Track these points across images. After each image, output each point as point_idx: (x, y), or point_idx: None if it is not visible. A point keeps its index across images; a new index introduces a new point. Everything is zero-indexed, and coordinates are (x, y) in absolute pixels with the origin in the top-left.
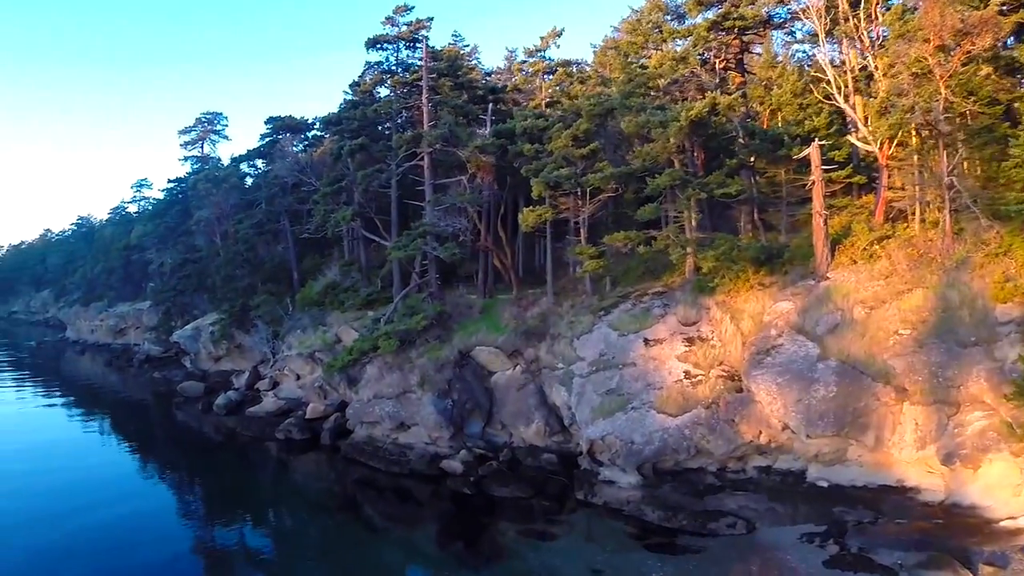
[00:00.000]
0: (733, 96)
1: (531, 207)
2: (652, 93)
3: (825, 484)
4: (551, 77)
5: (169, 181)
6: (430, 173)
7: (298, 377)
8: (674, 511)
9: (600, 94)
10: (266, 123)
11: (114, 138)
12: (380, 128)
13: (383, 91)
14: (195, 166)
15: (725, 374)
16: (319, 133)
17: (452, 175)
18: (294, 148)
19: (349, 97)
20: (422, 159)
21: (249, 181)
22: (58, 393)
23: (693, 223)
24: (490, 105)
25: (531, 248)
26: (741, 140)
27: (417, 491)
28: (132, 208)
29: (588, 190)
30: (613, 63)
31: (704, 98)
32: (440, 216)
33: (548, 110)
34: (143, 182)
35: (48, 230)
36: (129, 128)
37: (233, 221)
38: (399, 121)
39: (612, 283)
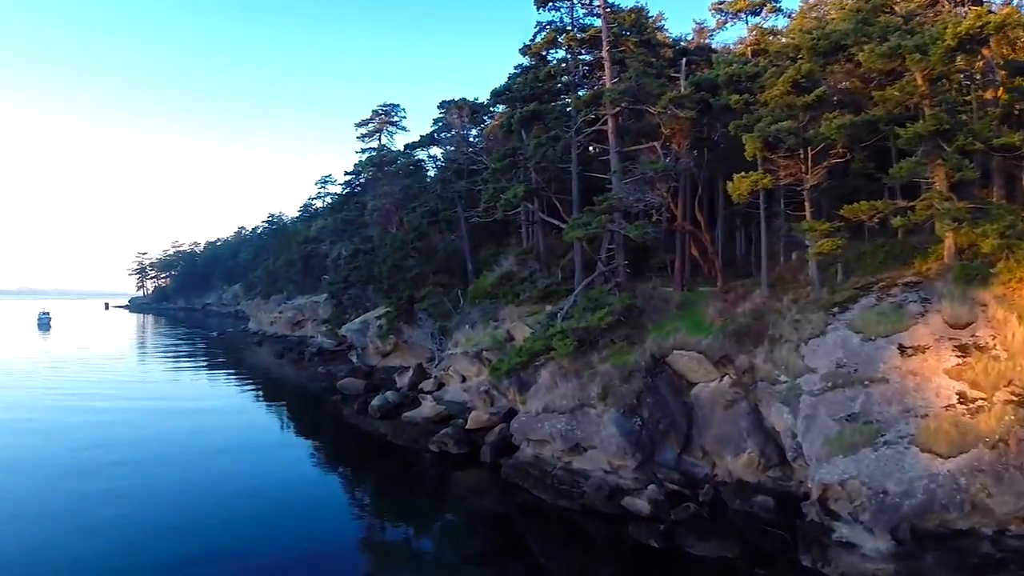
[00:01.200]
0: (1007, 11)
1: (743, 174)
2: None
3: None
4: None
5: (346, 174)
6: (615, 140)
7: (464, 379)
8: None
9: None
10: (439, 107)
11: (307, 138)
12: (555, 93)
13: (559, 54)
14: (371, 158)
15: (1015, 398)
16: (493, 109)
17: (641, 144)
18: (469, 131)
19: (522, 63)
20: (605, 123)
21: (432, 173)
22: (222, 382)
23: (943, 188)
24: (683, 62)
25: (730, 236)
26: (995, 88)
27: (591, 532)
28: (318, 204)
29: (811, 152)
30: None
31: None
32: (629, 190)
33: (755, 59)
34: (327, 178)
35: (242, 227)
36: (319, 127)
37: (406, 210)
38: (576, 83)
39: (844, 271)
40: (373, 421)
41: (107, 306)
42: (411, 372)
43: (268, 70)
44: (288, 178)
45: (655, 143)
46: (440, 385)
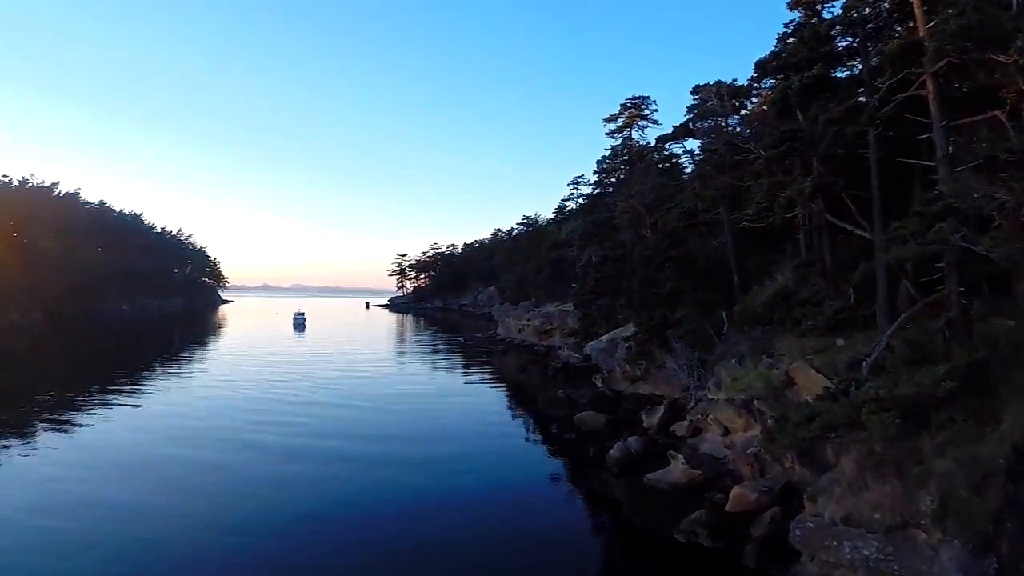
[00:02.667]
0: None
1: None
2: None
3: None
4: None
5: (594, 173)
6: (938, 110)
7: (726, 431)
8: None
9: None
10: (692, 92)
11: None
12: (835, 58)
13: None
14: (619, 153)
15: None
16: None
17: (967, 115)
18: (730, 118)
19: (792, 19)
20: (922, 87)
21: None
22: (454, 398)
23: None
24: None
25: None
26: None
27: None
28: (571, 205)
29: None
30: None
31: None
32: (966, 183)
33: None
34: (579, 178)
35: (498, 229)
36: (576, 121)
37: (659, 211)
38: (866, 39)
39: None
40: (610, 479)
41: (367, 305)
42: (662, 410)
43: (515, 63)
44: (545, 177)
45: (996, 112)
46: (696, 431)
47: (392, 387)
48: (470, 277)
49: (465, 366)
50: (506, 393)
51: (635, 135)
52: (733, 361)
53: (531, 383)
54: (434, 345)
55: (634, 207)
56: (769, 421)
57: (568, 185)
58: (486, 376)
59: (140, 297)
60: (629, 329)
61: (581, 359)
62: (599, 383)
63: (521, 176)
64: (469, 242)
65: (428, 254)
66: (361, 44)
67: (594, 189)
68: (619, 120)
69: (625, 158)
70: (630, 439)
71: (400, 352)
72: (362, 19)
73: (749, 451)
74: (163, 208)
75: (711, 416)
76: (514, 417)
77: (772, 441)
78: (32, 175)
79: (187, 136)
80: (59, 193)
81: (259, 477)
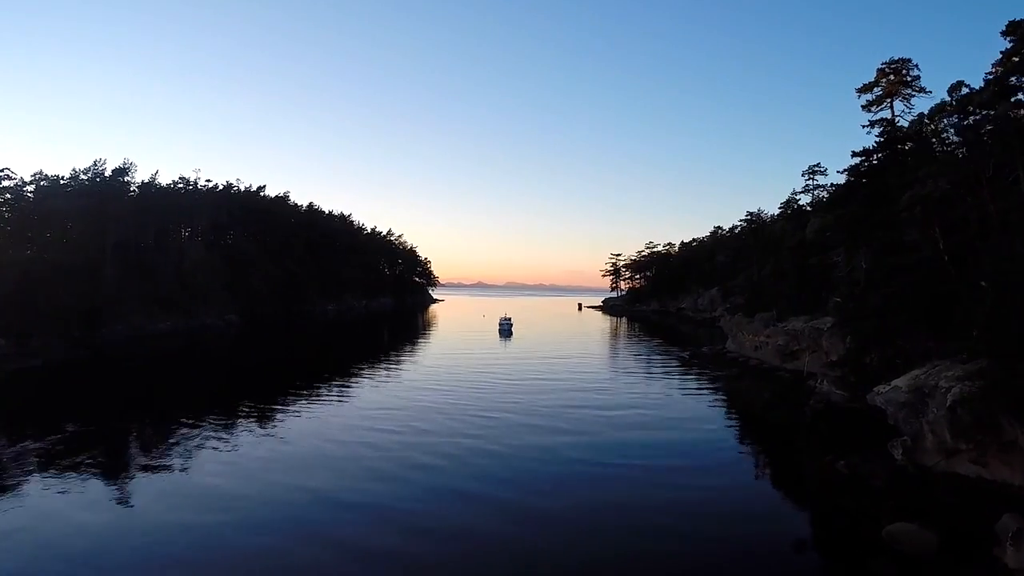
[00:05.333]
0: None
1: None
2: None
3: None
4: None
5: (853, 155)
6: None
7: None
8: None
9: None
10: (1004, 34)
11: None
12: None
13: None
14: (881, 132)
15: None
16: None
17: None
18: None
19: None
20: None
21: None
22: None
23: None
24: None
25: None
26: None
27: None
28: (805, 199)
29: None
30: None
31: None
32: None
33: None
34: (816, 167)
35: (718, 227)
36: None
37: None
38: None
39: None
40: None
41: (580, 307)
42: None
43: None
44: (769, 170)
45: None
46: None
47: (591, 437)
48: (689, 278)
49: (689, 395)
50: (751, 451)
51: (898, 107)
52: None
53: (785, 432)
54: (650, 361)
55: (930, 193)
56: None
57: (802, 175)
58: (719, 415)
59: (347, 297)
60: (940, 373)
61: (847, 396)
62: (898, 453)
63: (742, 170)
64: (687, 241)
65: (644, 253)
66: (575, 40)
67: (849, 175)
68: (876, 89)
69: (894, 134)
70: None
71: (612, 370)
72: (585, 16)
73: None
74: (391, 214)
75: None
76: (771, 508)
77: None
78: (238, 179)
79: (415, 144)
80: (265, 196)
81: None
